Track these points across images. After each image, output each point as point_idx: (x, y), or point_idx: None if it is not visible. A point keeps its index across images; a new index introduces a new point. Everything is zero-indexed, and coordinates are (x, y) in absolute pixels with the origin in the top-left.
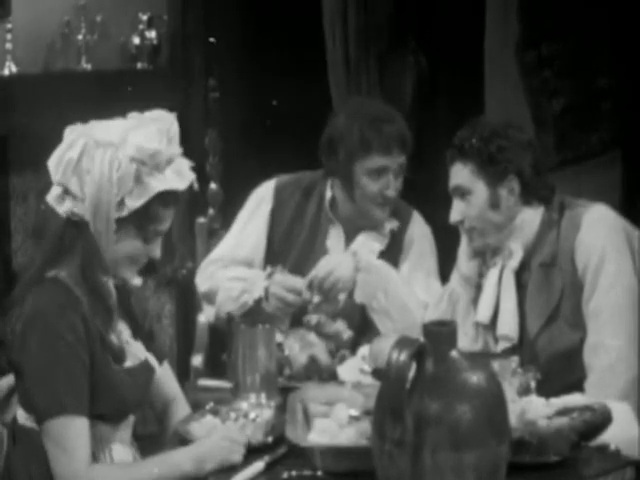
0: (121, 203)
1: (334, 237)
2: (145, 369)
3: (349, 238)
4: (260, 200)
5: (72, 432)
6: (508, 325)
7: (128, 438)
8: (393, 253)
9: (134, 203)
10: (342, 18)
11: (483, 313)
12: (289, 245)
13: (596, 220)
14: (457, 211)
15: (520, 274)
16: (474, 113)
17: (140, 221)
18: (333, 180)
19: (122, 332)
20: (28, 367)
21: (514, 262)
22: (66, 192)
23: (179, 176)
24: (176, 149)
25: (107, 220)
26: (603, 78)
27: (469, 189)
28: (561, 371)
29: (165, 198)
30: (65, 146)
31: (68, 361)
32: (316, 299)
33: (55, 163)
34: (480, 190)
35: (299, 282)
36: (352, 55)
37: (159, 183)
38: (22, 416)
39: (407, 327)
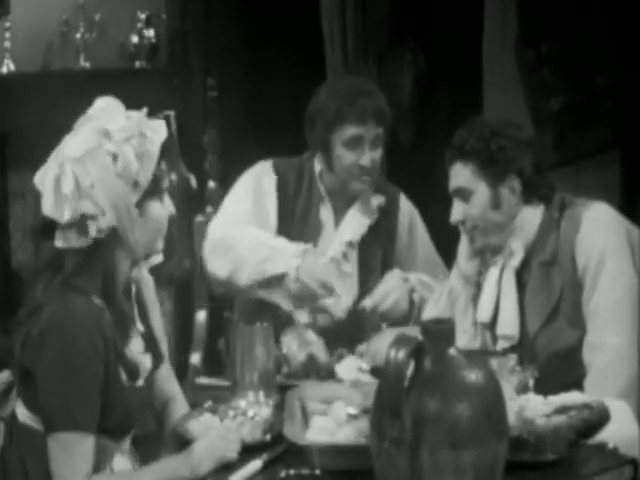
0: (135, 185)
1: (325, 213)
2: (151, 378)
3: (337, 214)
4: (261, 175)
5: (80, 448)
6: (509, 325)
7: (127, 447)
8: (384, 230)
9: (146, 176)
10: (340, 17)
11: (483, 313)
12: (290, 220)
13: (596, 219)
14: (458, 211)
15: (520, 273)
16: (472, 112)
17: (152, 186)
18: (318, 154)
19: (135, 343)
20: (42, 374)
21: (515, 261)
22: (83, 219)
23: (155, 128)
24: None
25: (129, 212)
26: (602, 77)
27: (470, 189)
28: (561, 370)
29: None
30: (53, 184)
31: (84, 374)
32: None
33: (55, 206)
34: (482, 190)
35: (333, 277)
36: (350, 54)
37: (153, 143)
38: (23, 414)
39: None
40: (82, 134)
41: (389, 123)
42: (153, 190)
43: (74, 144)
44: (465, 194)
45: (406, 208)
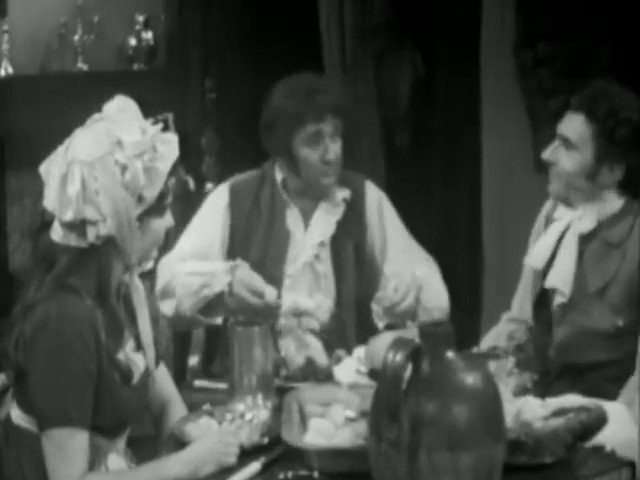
0: (139, 199)
1: (291, 218)
2: (145, 378)
3: (306, 216)
4: (215, 198)
5: (73, 444)
6: (563, 280)
7: (123, 447)
8: (353, 223)
9: (153, 192)
10: (339, 18)
11: (537, 259)
12: (251, 234)
13: None
14: (555, 153)
15: (582, 242)
16: (470, 112)
17: (157, 203)
18: (279, 161)
19: (128, 344)
20: (34, 372)
21: (584, 227)
22: (83, 223)
23: (168, 145)
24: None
25: (129, 224)
26: (600, 78)
27: (578, 146)
28: (585, 347)
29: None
30: (59, 181)
31: (76, 372)
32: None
33: (58, 203)
34: (586, 154)
35: (262, 284)
36: (348, 55)
37: (164, 161)
38: (18, 416)
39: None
40: (94, 135)
41: (348, 114)
42: (157, 207)
43: (85, 146)
44: (570, 145)
45: (373, 195)
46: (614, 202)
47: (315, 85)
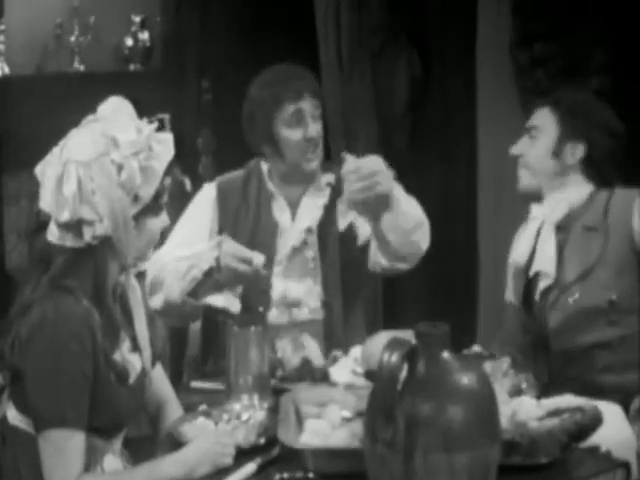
0: (135, 198)
1: (277, 208)
2: (141, 378)
3: (292, 205)
4: (202, 195)
5: (69, 445)
6: (546, 262)
7: (119, 448)
8: (336, 207)
9: (148, 191)
10: (335, 18)
11: (519, 254)
12: (239, 229)
13: None
14: (521, 147)
15: (560, 232)
16: (467, 112)
17: (153, 203)
18: (263, 151)
19: (124, 345)
20: (30, 373)
21: (557, 216)
22: (79, 223)
23: (163, 144)
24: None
25: (125, 224)
26: (596, 78)
27: (543, 130)
28: (581, 328)
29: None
30: (54, 182)
31: (72, 373)
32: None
33: (54, 204)
34: (551, 135)
35: (249, 251)
36: (345, 55)
37: (160, 160)
38: (14, 417)
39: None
40: (89, 135)
41: (322, 99)
42: (153, 206)
43: (80, 146)
44: (537, 132)
45: None
46: (582, 188)
47: (289, 72)
